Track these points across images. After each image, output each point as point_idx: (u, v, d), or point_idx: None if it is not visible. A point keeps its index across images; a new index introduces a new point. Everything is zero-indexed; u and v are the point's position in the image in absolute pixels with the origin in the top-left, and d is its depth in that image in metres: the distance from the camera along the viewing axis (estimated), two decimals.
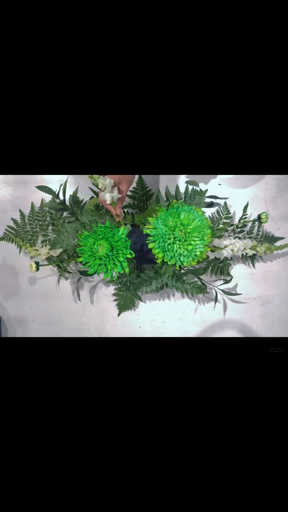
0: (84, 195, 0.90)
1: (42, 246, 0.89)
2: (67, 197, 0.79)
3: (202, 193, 0.90)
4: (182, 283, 0.89)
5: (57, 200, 0.79)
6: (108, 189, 0.79)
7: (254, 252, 0.91)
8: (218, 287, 0.93)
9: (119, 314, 0.94)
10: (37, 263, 0.83)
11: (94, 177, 0.72)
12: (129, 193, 0.89)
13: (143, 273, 0.90)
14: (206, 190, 0.91)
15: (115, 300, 0.94)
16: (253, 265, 0.96)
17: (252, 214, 0.97)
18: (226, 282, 0.92)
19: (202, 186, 0.94)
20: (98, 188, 0.74)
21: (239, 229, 0.94)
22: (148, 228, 0.70)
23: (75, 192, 0.81)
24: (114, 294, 0.94)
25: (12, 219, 0.93)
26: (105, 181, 0.76)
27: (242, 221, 0.92)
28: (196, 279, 0.89)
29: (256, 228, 0.94)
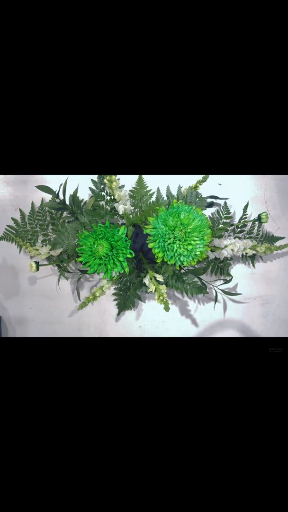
0: (84, 195, 0.90)
1: (42, 246, 0.89)
2: (67, 197, 0.79)
3: (203, 199, 0.90)
4: (182, 283, 0.89)
5: (57, 200, 0.79)
6: (122, 200, 0.80)
7: (254, 252, 0.91)
8: (218, 287, 0.93)
9: (119, 314, 0.94)
10: (37, 263, 0.83)
11: (113, 186, 0.73)
12: (129, 192, 0.89)
13: (142, 272, 0.90)
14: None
15: (115, 300, 0.94)
16: (253, 265, 0.96)
17: (252, 214, 0.97)
18: (226, 282, 0.92)
19: (202, 186, 0.94)
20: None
21: (239, 229, 0.94)
22: (148, 228, 0.70)
23: (75, 192, 0.81)
24: (114, 294, 0.94)
25: (12, 218, 0.93)
26: (121, 192, 0.78)
27: (242, 221, 0.92)
28: (196, 279, 0.89)
29: (256, 228, 0.94)
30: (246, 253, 0.91)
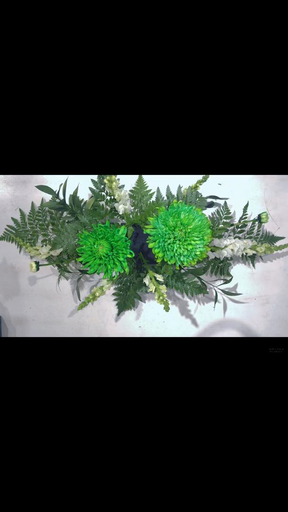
0: (84, 195, 0.90)
1: (42, 246, 0.89)
2: (67, 197, 0.79)
3: (203, 199, 0.90)
4: (182, 283, 0.89)
5: (57, 200, 0.79)
6: (122, 200, 0.80)
7: (254, 252, 0.91)
8: (218, 287, 0.93)
9: (119, 314, 0.94)
10: (37, 263, 0.83)
11: (113, 186, 0.73)
12: (129, 192, 0.89)
13: (142, 272, 0.90)
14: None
15: (115, 300, 0.94)
16: (253, 265, 0.96)
17: (252, 214, 0.97)
18: (226, 282, 0.92)
19: (202, 186, 0.94)
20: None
21: (239, 229, 0.94)
22: (148, 228, 0.70)
23: (75, 192, 0.81)
24: (114, 294, 0.94)
25: (12, 218, 0.93)
26: (121, 192, 0.78)
27: (242, 221, 0.92)
28: (196, 279, 0.89)
29: (256, 228, 0.94)
30: (246, 253, 0.91)
